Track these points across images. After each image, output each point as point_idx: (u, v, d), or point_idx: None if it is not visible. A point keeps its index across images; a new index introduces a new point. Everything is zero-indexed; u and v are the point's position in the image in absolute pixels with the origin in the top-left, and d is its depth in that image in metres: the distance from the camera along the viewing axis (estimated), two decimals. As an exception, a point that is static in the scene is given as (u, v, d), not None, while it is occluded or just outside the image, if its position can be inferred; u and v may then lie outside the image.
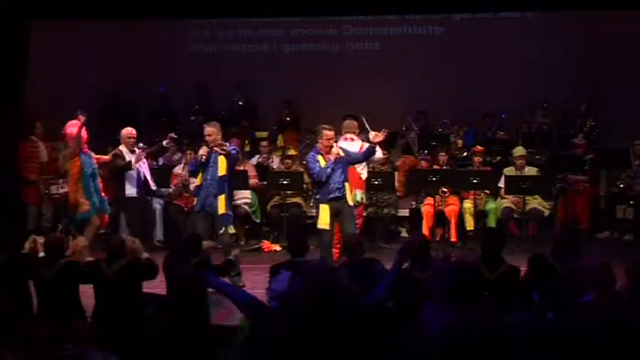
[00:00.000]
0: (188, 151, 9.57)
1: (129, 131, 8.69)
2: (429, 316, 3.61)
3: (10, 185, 9.14)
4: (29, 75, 9.44)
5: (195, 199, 7.64)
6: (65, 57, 10.88)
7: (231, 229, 7.57)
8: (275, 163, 9.97)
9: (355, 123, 8.44)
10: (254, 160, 10.12)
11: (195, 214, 7.71)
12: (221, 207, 7.39)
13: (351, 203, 7.44)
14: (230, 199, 7.69)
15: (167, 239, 9.36)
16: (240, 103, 11.13)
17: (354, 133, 8.23)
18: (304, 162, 8.56)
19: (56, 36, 10.48)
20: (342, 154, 7.38)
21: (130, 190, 8.56)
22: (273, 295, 4.23)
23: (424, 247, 5.51)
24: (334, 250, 7.54)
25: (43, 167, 9.57)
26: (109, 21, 10.20)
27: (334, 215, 7.36)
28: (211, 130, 7.51)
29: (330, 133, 7.37)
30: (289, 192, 9.42)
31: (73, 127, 8.10)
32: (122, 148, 8.59)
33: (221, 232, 7.41)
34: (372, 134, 7.84)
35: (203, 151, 7.43)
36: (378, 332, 3.94)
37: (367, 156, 7.60)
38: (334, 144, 7.41)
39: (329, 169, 7.27)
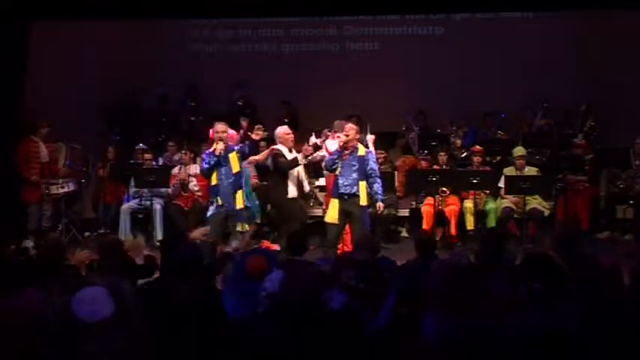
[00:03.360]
0: (184, 151, 9.64)
1: (286, 130, 8.30)
2: (430, 324, 3.60)
3: (10, 185, 9.17)
4: (29, 75, 9.47)
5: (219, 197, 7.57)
6: (65, 57, 10.86)
7: (245, 227, 7.66)
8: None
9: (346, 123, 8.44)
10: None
11: (214, 214, 7.61)
12: (239, 202, 7.52)
13: (364, 203, 7.43)
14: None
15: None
16: (239, 103, 11.12)
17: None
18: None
19: (56, 36, 10.49)
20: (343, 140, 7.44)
21: (293, 193, 8.30)
22: (265, 294, 4.22)
23: (429, 247, 5.53)
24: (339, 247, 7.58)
25: (44, 167, 9.55)
26: (109, 21, 10.21)
27: (344, 214, 7.40)
28: (224, 128, 7.55)
29: (349, 126, 7.50)
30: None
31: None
32: (280, 147, 8.18)
33: (238, 228, 7.51)
34: (369, 137, 7.90)
35: (221, 145, 7.42)
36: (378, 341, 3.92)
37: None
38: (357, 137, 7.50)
39: (335, 157, 7.40)
